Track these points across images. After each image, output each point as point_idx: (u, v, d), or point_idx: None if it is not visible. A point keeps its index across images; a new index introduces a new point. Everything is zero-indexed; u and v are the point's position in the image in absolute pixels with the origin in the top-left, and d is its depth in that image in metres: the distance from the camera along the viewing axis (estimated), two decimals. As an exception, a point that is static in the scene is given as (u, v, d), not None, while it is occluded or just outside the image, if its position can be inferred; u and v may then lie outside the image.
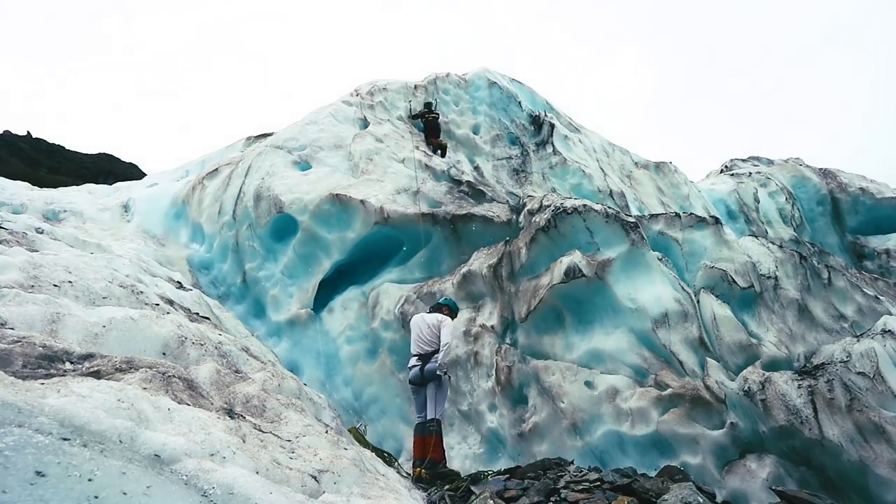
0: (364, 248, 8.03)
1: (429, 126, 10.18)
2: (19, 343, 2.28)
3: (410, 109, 10.68)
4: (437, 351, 4.83)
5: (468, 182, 9.01)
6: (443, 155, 9.94)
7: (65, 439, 1.55)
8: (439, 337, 4.91)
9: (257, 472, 2.06)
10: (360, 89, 10.85)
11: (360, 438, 4.88)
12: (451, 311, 5.52)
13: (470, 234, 8.02)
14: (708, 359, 6.16)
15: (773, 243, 8.67)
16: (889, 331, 5.80)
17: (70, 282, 3.45)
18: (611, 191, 10.07)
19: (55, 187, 9.92)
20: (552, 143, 10.73)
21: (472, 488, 3.79)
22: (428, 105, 10.42)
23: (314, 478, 2.34)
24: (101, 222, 8.48)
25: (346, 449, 2.92)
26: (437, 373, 4.72)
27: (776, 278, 7.80)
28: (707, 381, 5.85)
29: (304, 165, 8.80)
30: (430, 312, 5.35)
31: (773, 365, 6.38)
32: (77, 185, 10.98)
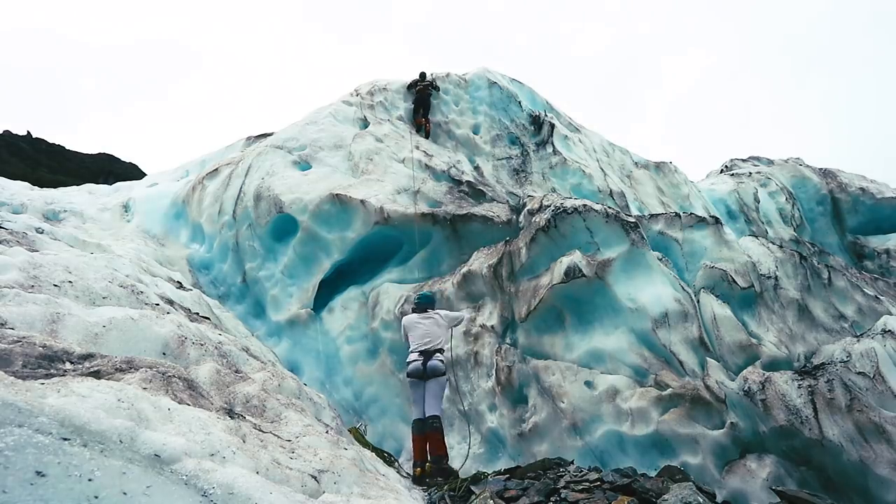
0: (364, 248, 8.03)
1: (420, 99, 10.27)
2: (19, 343, 2.28)
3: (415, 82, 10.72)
4: (440, 350, 4.95)
5: (468, 182, 9.01)
6: (427, 136, 10.02)
7: (65, 439, 1.55)
8: (448, 327, 5.22)
9: (257, 472, 2.06)
10: (360, 89, 10.84)
11: (360, 438, 4.88)
12: (432, 304, 5.53)
13: (470, 234, 8.02)
14: (708, 359, 6.16)
15: (773, 243, 8.68)
16: (889, 331, 5.81)
17: (70, 282, 3.45)
18: (611, 191, 10.06)
19: (55, 187, 9.92)
20: (552, 143, 10.72)
21: (472, 488, 3.79)
22: (422, 75, 10.53)
23: (314, 478, 2.34)
24: (101, 222, 8.47)
25: (346, 449, 2.92)
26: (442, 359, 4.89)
27: (776, 278, 7.80)
28: (707, 381, 5.85)
29: (304, 165, 8.81)
30: (416, 312, 5.30)
31: (773, 365, 6.38)
32: (77, 185, 10.96)
